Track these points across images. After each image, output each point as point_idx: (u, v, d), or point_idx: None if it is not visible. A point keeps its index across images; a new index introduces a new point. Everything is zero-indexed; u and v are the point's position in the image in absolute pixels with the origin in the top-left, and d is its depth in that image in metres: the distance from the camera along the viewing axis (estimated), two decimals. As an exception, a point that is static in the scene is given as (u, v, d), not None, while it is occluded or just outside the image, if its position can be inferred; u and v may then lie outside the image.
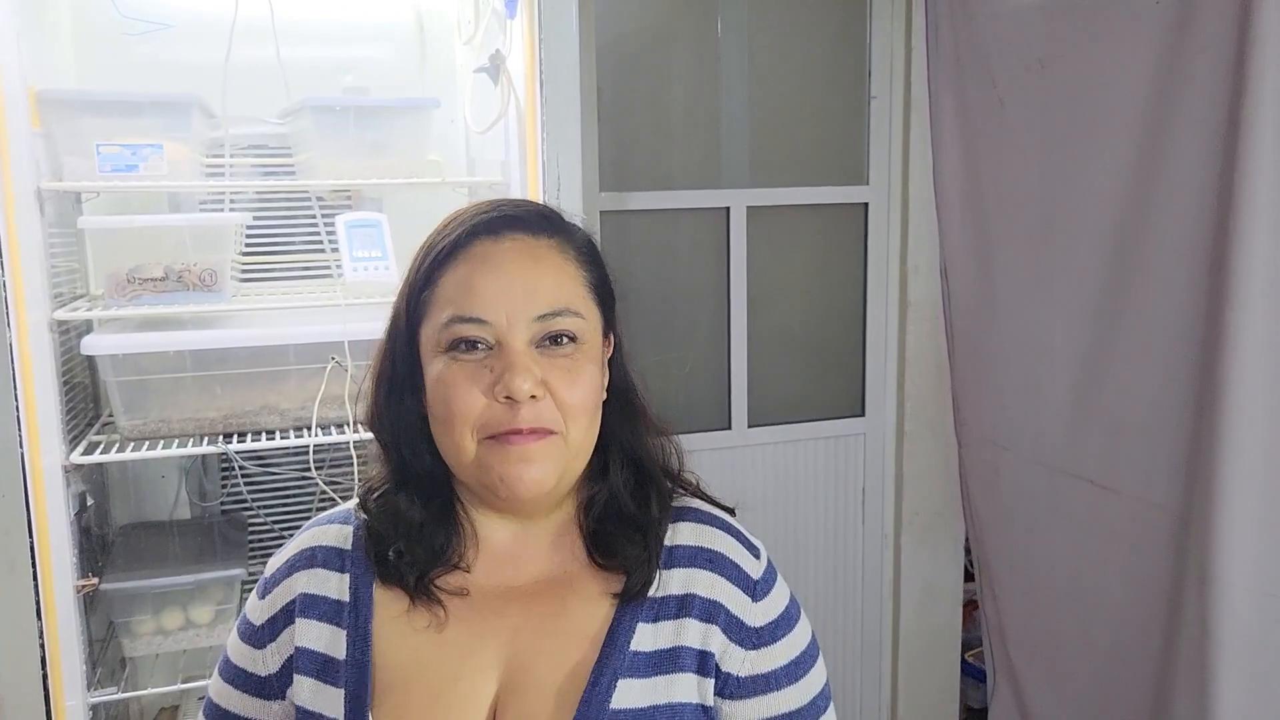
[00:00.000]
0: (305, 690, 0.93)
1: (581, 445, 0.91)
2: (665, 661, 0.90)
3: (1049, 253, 2.33)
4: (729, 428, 2.78)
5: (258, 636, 0.98)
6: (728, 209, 2.70)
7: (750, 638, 0.93)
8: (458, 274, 0.89)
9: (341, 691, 0.91)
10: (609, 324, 0.96)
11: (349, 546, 0.97)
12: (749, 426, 2.79)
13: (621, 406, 0.98)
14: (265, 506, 2.21)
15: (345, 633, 0.93)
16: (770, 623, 0.94)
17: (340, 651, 0.93)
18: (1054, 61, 2.26)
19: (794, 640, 0.95)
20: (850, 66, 2.76)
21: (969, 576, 2.99)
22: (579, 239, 0.95)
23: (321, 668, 0.93)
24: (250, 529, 2.23)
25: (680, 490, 1.02)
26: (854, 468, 2.89)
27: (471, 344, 0.89)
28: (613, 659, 0.90)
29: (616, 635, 0.91)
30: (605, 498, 0.97)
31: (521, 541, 0.97)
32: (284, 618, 0.96)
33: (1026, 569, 2.52)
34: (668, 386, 2.75)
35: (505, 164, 1.97)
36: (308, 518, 2.21)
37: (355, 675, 0.91)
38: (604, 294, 0.95)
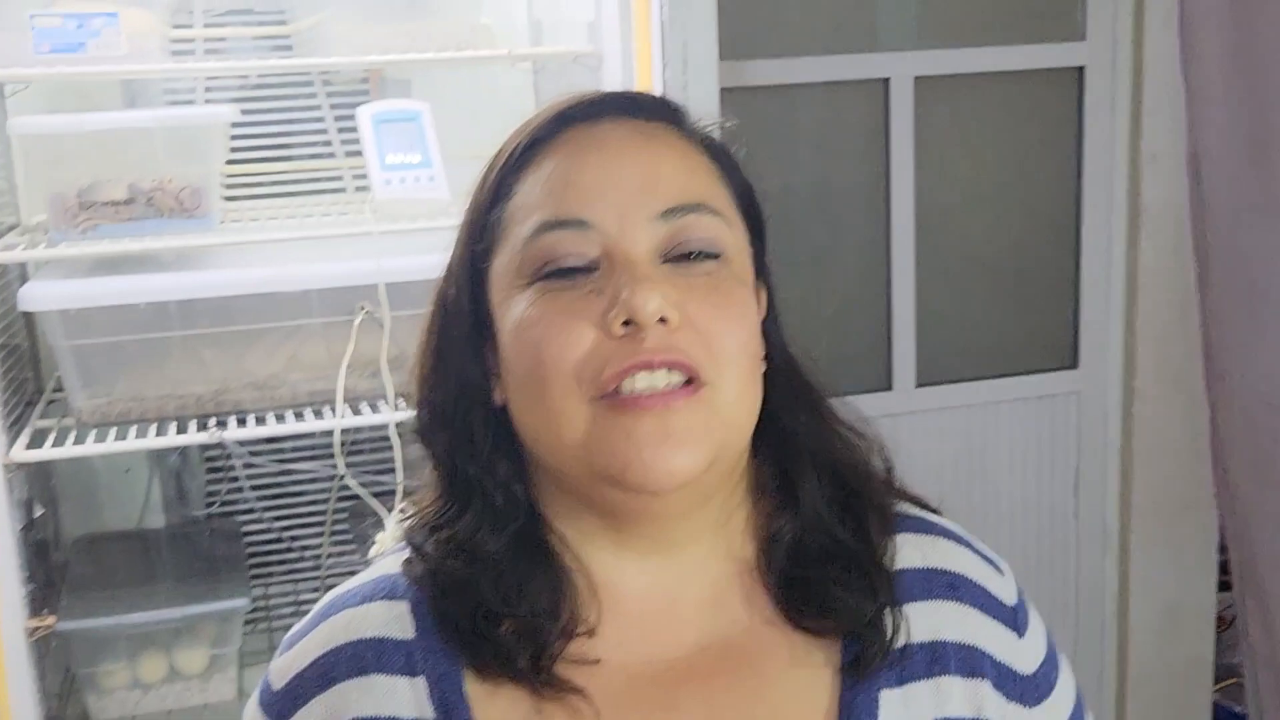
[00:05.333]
0: None
1: (739, 410, 0.86)
2: None
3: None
4: (889, 388, 2.80)
5: None
6: (887, 80, 2.70)
7: (1029, 691, 0.92)
8: (541, 172, 0.87)
9: None
10: (761, 261, 0.93)
11: (412, 633, 0.89)
12: (917, 386, 2.81)
13: (792, 390, 0.94)
14: (270, 512, 2.22)
15: None
16: (1043, 664, 0.95)
17: None
18: None
19: (1065, 682, 0.96)
20: None
21: (1224, 586, 2.95)
22: (711, 137, 0.93)
23: None
24: (248, 540, 2.23)
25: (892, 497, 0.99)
26: (1064, 441, 2.89)
27: (568, 271, 0.84)
28: None
29: (854, 717, 0.88)
30: (798, 528, 0.92)
31: (668, 587, 0.90)
32: None
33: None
34: (802, 333, 2.71)
35: (594, 26, 1.91)
36: (321, 525, 2.17)
37: None
38: (752, 213, 0.93)
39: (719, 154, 0.91)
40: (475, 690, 0.86)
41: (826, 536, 0.92)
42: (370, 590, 0.92)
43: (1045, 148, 2.82)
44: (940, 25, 2.72)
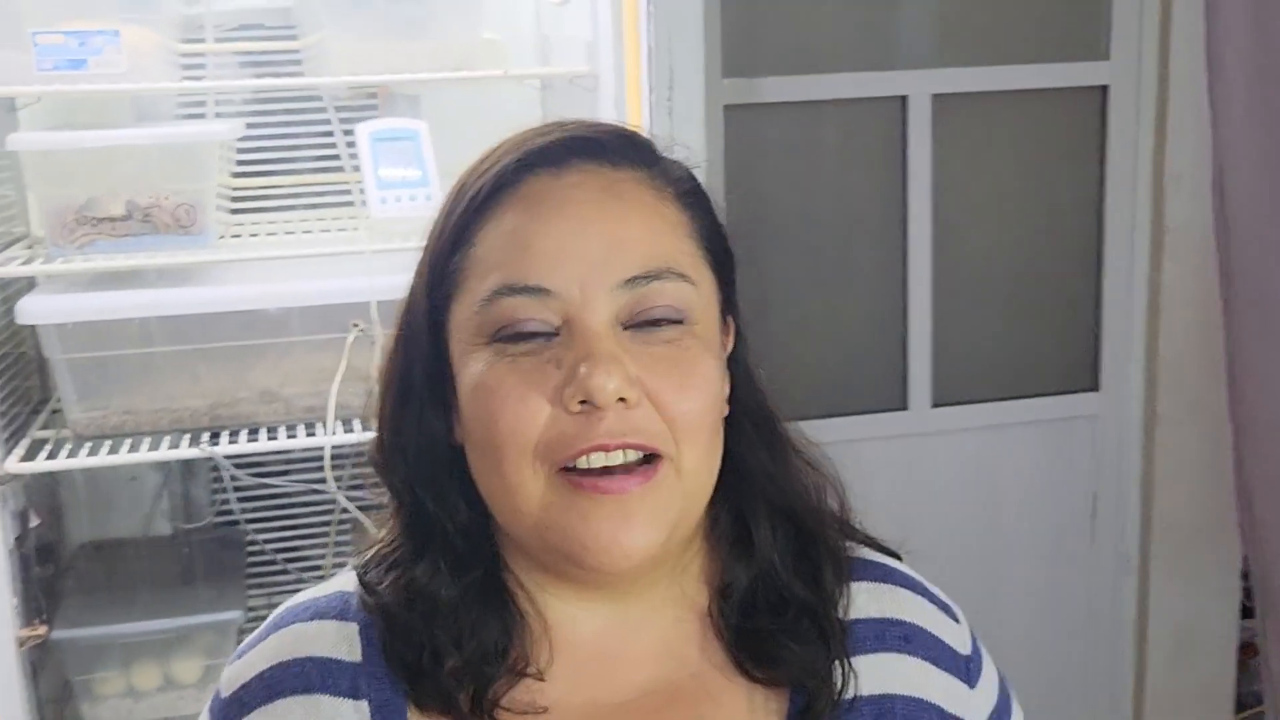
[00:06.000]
0: None
1: (699, 479, 0.86)
2: None
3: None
4: (905, 408, 2.77)
5: None
6: (904, 98, 2.66)
7: None
8: (503, 226, 0.85)
9: None
10: (727, 301, 0.92)
11: (359, 657, 0.89)
12: (933, 406, 2.78)
13: (754, 430, 0.93)
14: (266, 524, 2.22)
15: None
16: (993, 714, 0.95)
17: None
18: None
19: None
20: (1083, -113, 2.71)
21: (1246, 613, 2.92)
22: (680, 173, 0.90)
23: None
24: (250, 550, 2.25)
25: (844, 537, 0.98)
26: (1082, 464, 2.85)
27: (525, 335, 0.83)
28: None
29: None
30: (751, 578, 0.91)
31: (619, 632, 0.91)
32: None
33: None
34: (818, 351, 2.75)
35: (593, 46, 1.91)
36: (324, 538, 2.18)
37: None
38: (719, 254, 0.91)
39: (687, 197, 0.89)
40: None
41: (780, 587, 0.91)
42: (323, 607, 0.92)
43: (1067, 167, 2.78)
44: (960, 43, 2.69)
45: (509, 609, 0.88)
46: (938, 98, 2.65)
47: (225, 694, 0.90)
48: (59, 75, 1.78)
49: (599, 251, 0.82)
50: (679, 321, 0.84)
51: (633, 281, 0.82)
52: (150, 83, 1.86)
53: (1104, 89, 2.72)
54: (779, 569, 0.91)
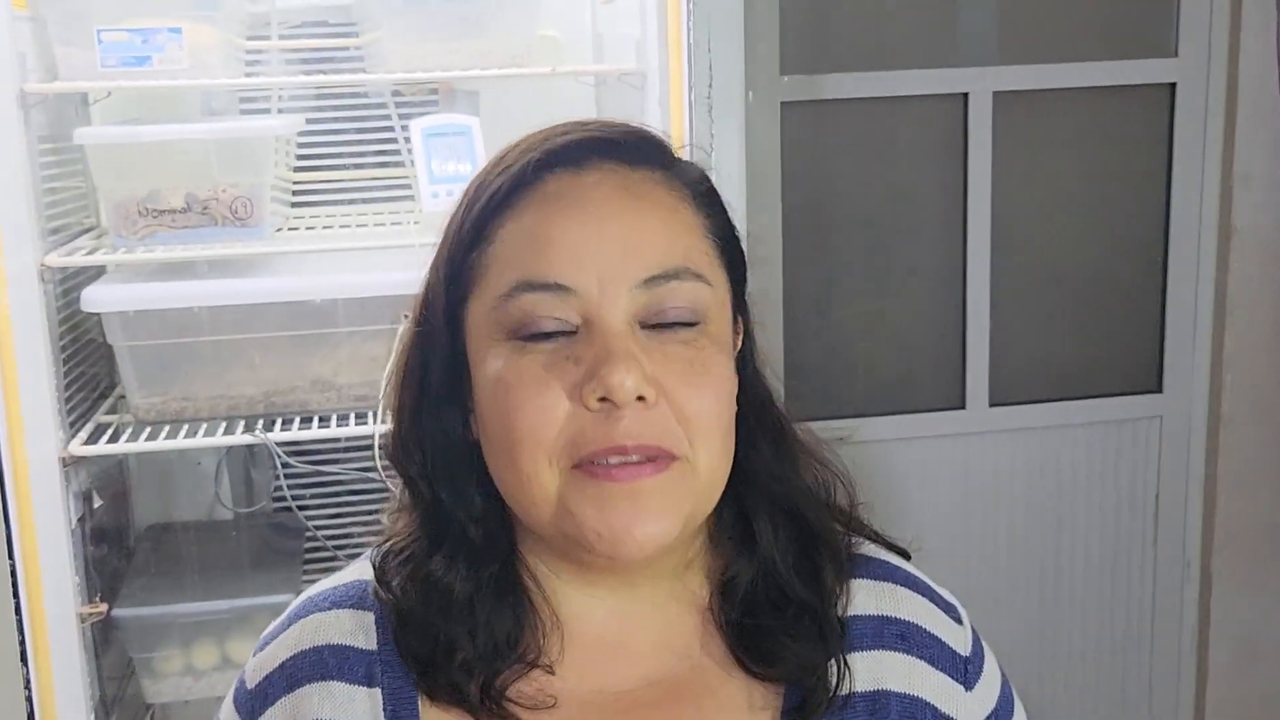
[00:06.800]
0: None
1: (713, 477, 0.86)
2: None
3: None
4: (962, 407, 2.77)
5: None
6: (966, 95, 2.66)
7: None
8: (523, 223, 0.84)
9: None
10: (738, 300, 0.92)
11: (375, 645, 0.90)
12: (991, 405, 2.77)
13: (760, 428, 0.93)
14: (320, 510, 2.24)
15: None
16: (989, 716, 0.93)
17: None
18: None
19: None
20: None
21: None
22: (695, 175, 0.90)
23: None
24: (309, 535, 2.25)
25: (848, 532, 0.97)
26: (1144, 466, 2.84)
27: (544, 334, 0.83)
28: None
29: None
30: (752, 575, 0.92)
31: (624, 624, 0.91)
32: None
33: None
34: (876, 349, 2.76)
35: (641, 44, 1.90)
36: (376, 525, 2.21)
37: None
38: (732, 253, 0.90)
39: (702, 198, 0.89)
40: (427, 709, 0.88)
41: (781, 585, 0.91)
42: (341, 596, 0.93)
43: (1132, 165, 2.76)
44: (1022, 40, 2.67)
45: (522, 602, 0.89)
46: (999, 95, 2.65)
47: (250, 685, 0.92)
48: (123, 71, 1.82)
49: (618, 250, 0.82)
50: (694, 323, 0.84)
51: (651, 281, 0.82)
52: (210, 79, 1.88)
53: (1171, 87, 2.71)
54: (779, 567, 0.91)
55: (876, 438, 2.67)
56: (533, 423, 0.81)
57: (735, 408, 0.88)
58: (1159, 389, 2.82)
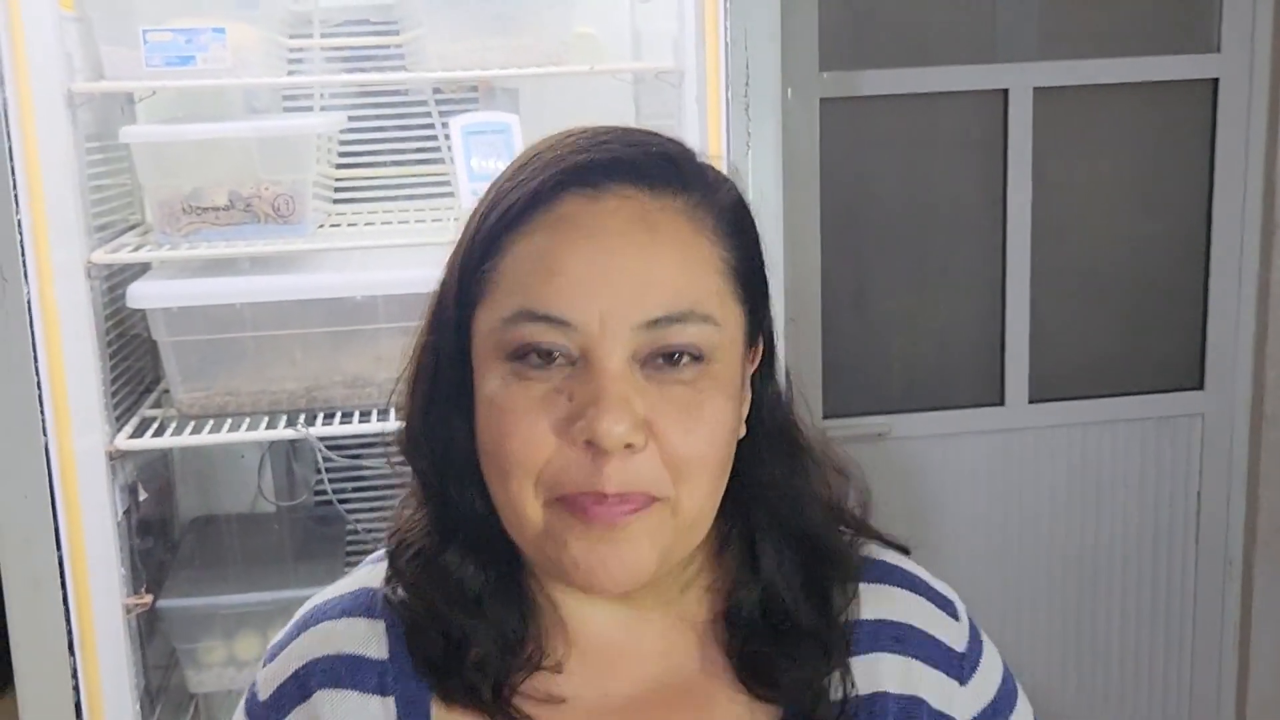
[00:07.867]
0: None
1: (697, 516, 0.85)
2: None
3: None
4: (1001, 403, 2.76)
5: None
6: (1005, 91, 2.66)
7: None
8: (534, 245, 0.82)
9: None
10: (756, 325, 0.89)
11: (385, 654, 0.91)
12: (1030, 402, 2.76)
13: (771, 447, 0.91)
14: (361, 502, 2.26)
15: None
16: (987, 708, 0.94)
17: None
18: None
19: None
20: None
21: None
22: (723, 199, 0.87)
23: None
24: (349, 527, 2.28)
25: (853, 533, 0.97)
26: (1185, 464, 2.82)
27: (545, 354, 0.81)
28: None
29: None
30: (757, 600, 0.91)
31: (627, 630, 0.92)
32: None
33: None
34: (915, 345, 2.75)
35: (679, 42, 1.91)
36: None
37: None
38: (752, 285, 0.88)
39: (726, 225, 0.86)
40: (441, 715, 0.88)
41: (784, 609, 0.91)
42: (350, 604, 0.93)
43: (1173, 161, 2.74)
44: (1062, 35, 2.66)
45: (528, 603, 0.90)
46: (1039, 91, 2.63)
47: (263, 696, 0.92)
48: (167, 71, 1.84)
49: (625, 287, 0.80)
50: (698, 359, 0.82)
51: (655, 323, 0.80)
52: (253, 77, 1.89)
53: (1214, 82, 2.68)
54: (784, 593, 0.91)
55: (915, 434, 2.67)
56: (521, 451, 0.81)
57: (733, 445, 0.86)
58: (1201, 386, 2.80)
